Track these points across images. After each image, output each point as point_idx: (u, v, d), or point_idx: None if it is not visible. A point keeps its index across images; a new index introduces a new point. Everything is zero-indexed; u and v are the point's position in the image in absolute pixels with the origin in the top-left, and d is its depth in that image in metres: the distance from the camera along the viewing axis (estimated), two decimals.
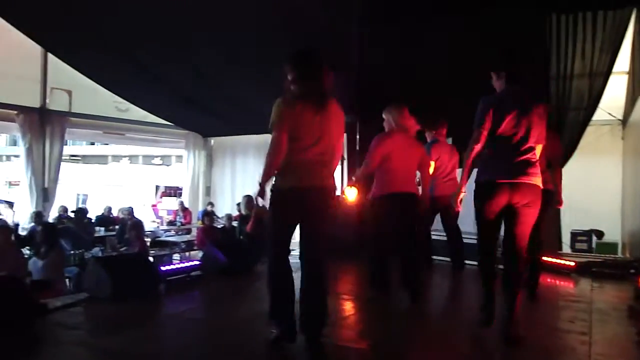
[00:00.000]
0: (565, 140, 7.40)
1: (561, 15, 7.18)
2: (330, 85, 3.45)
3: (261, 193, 3.41)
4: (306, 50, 3.49)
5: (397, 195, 4.73)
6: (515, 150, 3.65)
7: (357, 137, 7.97)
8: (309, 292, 3.42)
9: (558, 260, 6.41)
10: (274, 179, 3.43)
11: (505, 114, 3.65)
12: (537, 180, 3.67)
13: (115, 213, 11.69)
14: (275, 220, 3.47)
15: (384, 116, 5.04)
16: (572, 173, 7.59)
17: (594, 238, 8.92)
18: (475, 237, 4.10)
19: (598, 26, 7.03)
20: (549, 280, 6.06)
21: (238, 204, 9.57)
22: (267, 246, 3.56)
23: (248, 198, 8.22)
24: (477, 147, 3.67)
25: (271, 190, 3.44)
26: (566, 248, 8.32)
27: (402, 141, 4.85)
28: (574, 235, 8.88)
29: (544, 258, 6.43)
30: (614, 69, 7.14)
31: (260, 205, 3.49)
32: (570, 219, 8.15)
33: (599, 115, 7.76)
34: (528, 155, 3.67)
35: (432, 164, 5.70)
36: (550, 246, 6.99)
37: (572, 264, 6.22)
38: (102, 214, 11.19)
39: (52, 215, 9.99)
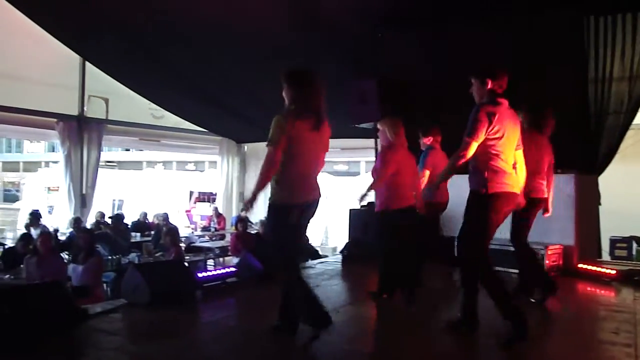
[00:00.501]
0: (604, 145, 7.27)
1: (600, 17, 7.04)
2: (324, 104, 3.68)
3: (252, 201, 3.63)
4: (303, 70, 3.73)
5: (407, 208, 4.91)
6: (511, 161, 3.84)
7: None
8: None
9: (598, 268, 6.26)
10: (272, 193, 3.66)
11: (502, 126, 3.73)
12: None
13: (150, 219, 11.85)
14: (282, 236, 3.74)
15: (379, 127, 5.15)
16: (612, 178, 7.47)
17: (635, 245, 8.70)
18: None
19: (638, 28, 6.87)
20: (588, 289, 5.93)
21: None
22: (281, 257, 3.81)
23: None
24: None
25: (271, 206, 3.68)
26: (605, 255, 8.13)
27: (403, 155, 5.02)
28: (613, 241, 8.67)
29: (583, 266, 6.36)
30: None
31: (243, 215, 3.80)
32: (609, 225, 7.96)
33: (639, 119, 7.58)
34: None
35: (427, 173, 5.75)
36: (589, 253, 6.86)
37: (613, 272, 6.06)
38: (138, 219, 11.37)
39: (90, 221, 10.18)
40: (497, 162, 3.73)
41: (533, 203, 4.92)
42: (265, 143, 3.56)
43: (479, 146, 3.71)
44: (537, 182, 4.94)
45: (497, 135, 3.70)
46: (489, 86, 3.79)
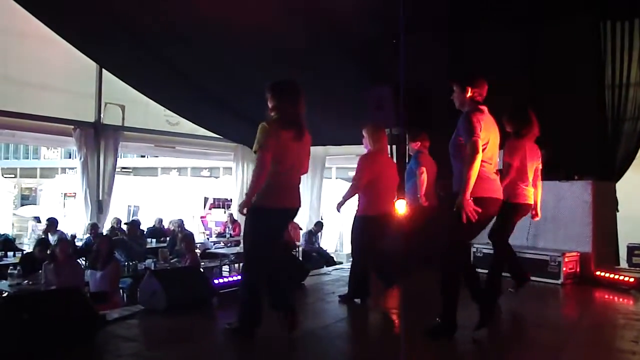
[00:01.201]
0: (621, 151, 7.21)
1: (616, 22, 7.01)
2: (303, 114, 3.86)
3: (247, 205, 3.79)
4: (287, 81, 3.92)
5: (385, 215, 5.03)
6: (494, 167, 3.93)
7: (407, 148, 7.92)
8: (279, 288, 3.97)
9: (615, 276, 6.20)
10: (256, 197, 3.76)
11: (488, 133, 3.81)
12: None
13: (165, 225, 11.93)
14: (260, 237, 3.88)
15: (363, 134, 5.21)
16: (629, 184, 7.40)
17: None
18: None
19: None
20: (606, 296, 5.88)
21: None
22: (248, 259, 4.02)
23: None
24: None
25: (254, 209, 3.79)
26: (622, 262, 8.04)
27: (383, 162, 5.13)
28: (631, 249, 8.55)
29: (600, 273, 6.30)
30: None
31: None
32: (627, 232, 7.88)
33: None
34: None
35: (424, 169, 6.04)
36: (606, 260, 6.80)
37: (632, 280, 5.99)
38: (154, 225, 11.45)
39: (106, 227, 10.27)
40: (482, 168, 3.76)
41: (515, 209, 4.89)
42: (253, 149, 3.75)
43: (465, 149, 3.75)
44: (520, 187, 4.91)
45: (483, 142, 3.74)
46: (469, 94, 3.88)
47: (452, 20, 7.24)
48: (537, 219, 5.22)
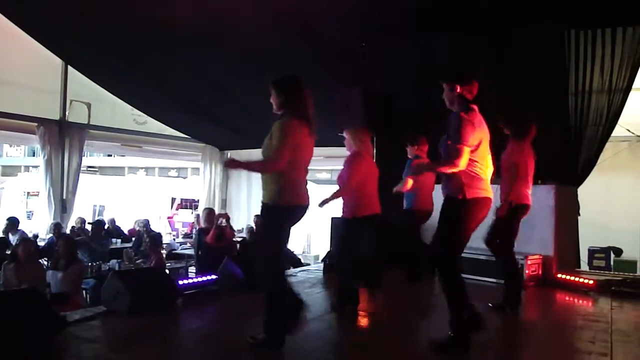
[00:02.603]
0: (583, 156, 7.37)
1: (580, 32, 7.18)
2: (313, 108, 3.77)
3: (232, 164, 3.84)
4: (294, 76, 3.81)
5: (373, 216, 4.96)
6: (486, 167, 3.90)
7: (375, 151, 7.97)
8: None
9: (576, 278, 6.34)
10: (273, 196, 3.69)
11: (480, 132, 3.81)
12: None
13: (128, 225, 11.72)
14: (278, 235, 3.79)
15: (344, 135, 5.20)
16: (590, 189, 7.57)
17: (612, 255, 8.82)
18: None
19: (617, 42, 7.02)
20: (566, 298, 6.01)
21: (256, 216, 9.61)
22: (267, 260, 3.80)
23: (209, 211, 8.31)
24: None
25: (270, 207, 3.72)
26: (583, 265, 8.23)
27: (368, 163, 5.10)
28: (592, 252, 8.78)
29: (562, 276, 6.43)
30: (633, 85, 7.10)
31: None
32: (588, 236, 8.06)
33: (618, 131, 7.69)
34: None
35: (410, 181, 5.83)
36: (567, 263, 6.94)
37: (591, 282, 6.14)
38: (108, 227, 11.07)
39: (71, 227, 10.06)
40: (474, 168, 3.78)
41: (520, 210, 5.00)
42: (273, 147, 3.62)
43: None
44: (523, 188, 5.01)
45: (475, 142, 3.74)
46: (458, 91, 3.85)
47: (420, 27, 7.31)
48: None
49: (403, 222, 6.35)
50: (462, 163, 3.67)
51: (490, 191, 3.93)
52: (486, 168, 3.91)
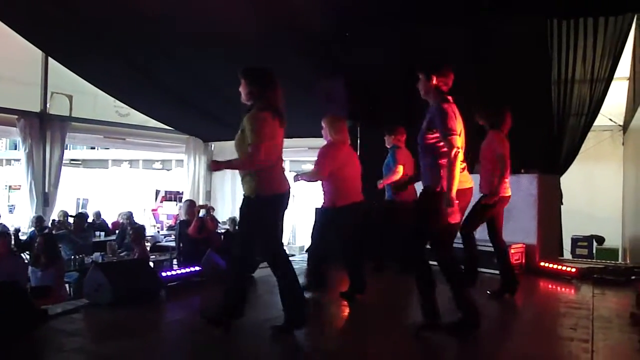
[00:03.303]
0: (566, 146, 7.43)
1: (562, 21, 7.20)
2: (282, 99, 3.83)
3: (215, 166, 3.96)
4: (263, 68, 3.85)
5: (352, 205, 4.94)
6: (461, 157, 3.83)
7: (358, 141, 7.97)
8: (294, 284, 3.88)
9: (559, 266, 6.40)
10: (255, 188, 3.76)
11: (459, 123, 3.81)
12: None
13: (112, 218, 11.63)
14: (269, 223, 3.83)
15: (322, 124, 5.18)
16: (573, 178, 7.64)
17: (595, 244, 8.92)
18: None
19: (599, 32, 7.06)
20: (550, 286, 6.06)
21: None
22: (267, 249, 3.90)
23: (189, 202, 8.29)
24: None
25: (253, 199, 3.78)
26: (566, 254, 8.31)
27: (345, 152, 5.06)
28: (575, 240, 8.87)
29: (545, 264, 6.49)
30: (615, 75, 7.15)
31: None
32: (571, 225, 8.14)
33: (600, 120, 7.78)
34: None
35: (400, 167, 6.03)
36: (550, 252, 7.00)
37: (573, 270, 6.19)
38: (93, 220, 11.01)
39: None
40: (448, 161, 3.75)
41: (501, 202, 5.05)
42: (249, 142, 3.66)
43: (436, 143, 3.77)
44: (504, 180, 5.04)
45: (459, 132, 3.74)
46: (434, 82, 3.83)
47: (403, 15, 7.29)
48: None
49: (384, 213, 6.38)
50: (459, 145, 3.68)
51: (469, 181, 3.95)
52: (461, 158, 3.87)
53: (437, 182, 3.76)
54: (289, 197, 3.90)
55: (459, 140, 3.70)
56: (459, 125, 3.76)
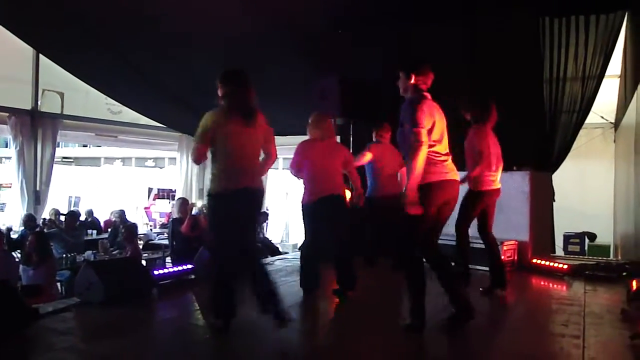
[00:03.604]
0: (558, 143, 7.45)
1: (554, 19, 7.22)
2: (254, 101, 3.93)
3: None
4: (234, 70, 3.98)
5: (323, 199, 4.93)
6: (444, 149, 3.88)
7: (351, 138, 7.97)
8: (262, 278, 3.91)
9: (551, 263, 6.42)
10: (210, 187, 3.89)
11: (431, 117, 3.80)
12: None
13: (105, 216, 11.59)
14: (219, 222, 3.91)
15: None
16: (565, 175, 7.67)
17: (587, 240, 8.95)
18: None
19: (590, 30, 7.08)
20: (542, 283, 6.08)
21: None
22: (214, 247, 4.05)
23: (182, 200, 8.27)
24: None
25: (212, 195, 3.89)
26: (559, 251, 8.35)
27: (321, 147, 5.07)
28: (567, 237, 8.91)
29: (537, 261, 6.51)
30: (607, 73, 7.18)
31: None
32: (563, 222, 8.17)
33: (592, 118, 7.80)
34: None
35: (369, 155, 6.18)
36: (543, 249, 7.02)
37: (565, 266, 6.22)
38: (86, 218, 10.95)
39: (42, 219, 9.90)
40: (431, 151, 3.78)
41: (479, 197, 5.07)
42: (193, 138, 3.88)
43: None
44: (485, 174, 5.06)
45: (428, 127, 3.76)
46: (413, 80, 3.87)
47: (395, 13, 7.29)
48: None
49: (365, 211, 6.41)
50: (424, 139, 3.69)
51: (451, 172, 3.91)
52: (444, 150, 3.90)
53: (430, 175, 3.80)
54: (246, 195, 3.89)
55: (425, 135, 3.70)
56: (428, 121, 3.76)
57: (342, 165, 5.16)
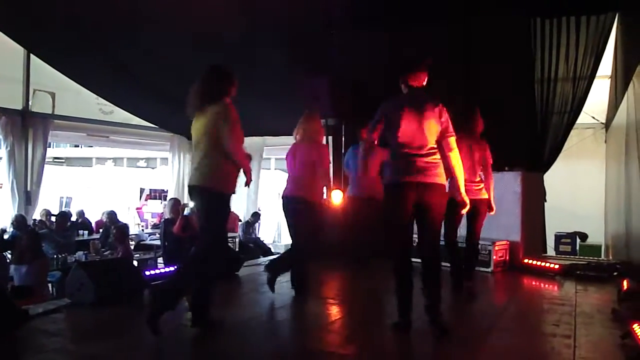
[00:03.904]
0: (549, 143, 7.48)
1: (545, 20, 7.26)
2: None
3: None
4: (222, 65, 4.13)
5: (289, 201, 5.08)
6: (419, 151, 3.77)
7: (343, 139, 7.97)
8: None
9: (542, 263, 6.45)
10: (223, 185, 3.86)
11: (400, 117, 3.79)
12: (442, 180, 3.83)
13: (97, 217, 11.53)
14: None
15: None
16: (556, 176, 7.71)
17: (578, 240, 9.00)
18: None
19: (581, 31, 7.12)
20: (533, 283, 6.11)
21: None
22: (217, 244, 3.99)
23: (174, 201, 8.25)
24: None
25: (221, 195, 3.85)
26: (550, 251, 8.38)
27: (293, 149, 5.18)
28: (558, 237, 8.95)
29: (528, 261, 6.53)
30: (597, 73, 7.22)
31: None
32: (554, 222, 8.21)
33: (583, 118, 7.84)
34: (432, 157, 3.79)
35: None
36: (534, 249, 7.05)
37: (557, 266, 6.25)
38: (77, 219, 10.90)
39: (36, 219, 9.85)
40: (398, 150, 3.81)
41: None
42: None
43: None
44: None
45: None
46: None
47: (387, 15, 7.31)
48: (492, 213, 5.24)
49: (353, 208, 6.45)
50: (371, 139, 3.87)
51: (414, 173, 3.79)
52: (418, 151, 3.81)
53: (385, 177, 3.91)
54: (191, 191, 3.99)
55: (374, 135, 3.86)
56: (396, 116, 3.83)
57: (313, 166, 5.04)
